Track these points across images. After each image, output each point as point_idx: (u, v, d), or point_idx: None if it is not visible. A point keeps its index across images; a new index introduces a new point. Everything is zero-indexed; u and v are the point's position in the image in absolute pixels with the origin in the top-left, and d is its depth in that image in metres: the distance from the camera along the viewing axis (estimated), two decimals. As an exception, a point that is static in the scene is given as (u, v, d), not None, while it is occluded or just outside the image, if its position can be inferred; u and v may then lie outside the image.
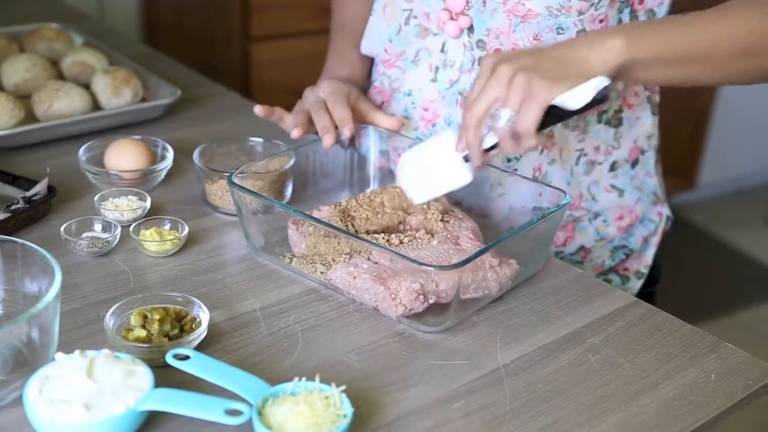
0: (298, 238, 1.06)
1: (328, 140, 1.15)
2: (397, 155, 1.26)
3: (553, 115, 0.97)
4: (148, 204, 1.15)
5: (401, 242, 1.02)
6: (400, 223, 1.09)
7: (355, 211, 1.08)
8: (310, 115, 1.20)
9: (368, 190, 1.17)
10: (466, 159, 1.01)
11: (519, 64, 0.96)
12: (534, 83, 0.94)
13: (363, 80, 1.36)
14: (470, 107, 0.98)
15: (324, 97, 1.22)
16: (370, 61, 1.37)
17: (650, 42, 0.98)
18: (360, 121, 1.21)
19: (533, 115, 0.95)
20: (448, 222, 1.06)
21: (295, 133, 1.17)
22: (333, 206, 1.09)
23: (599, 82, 0.96)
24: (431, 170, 1.04)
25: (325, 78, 1.30)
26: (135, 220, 1.12)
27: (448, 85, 1.21)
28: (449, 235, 1.04)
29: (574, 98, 0.96)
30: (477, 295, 0.98)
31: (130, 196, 1.16)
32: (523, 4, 1.11)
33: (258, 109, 1.21)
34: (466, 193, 1.18)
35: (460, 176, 1.02)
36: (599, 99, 0.97)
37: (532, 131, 0.96)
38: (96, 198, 1.15)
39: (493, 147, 1.00)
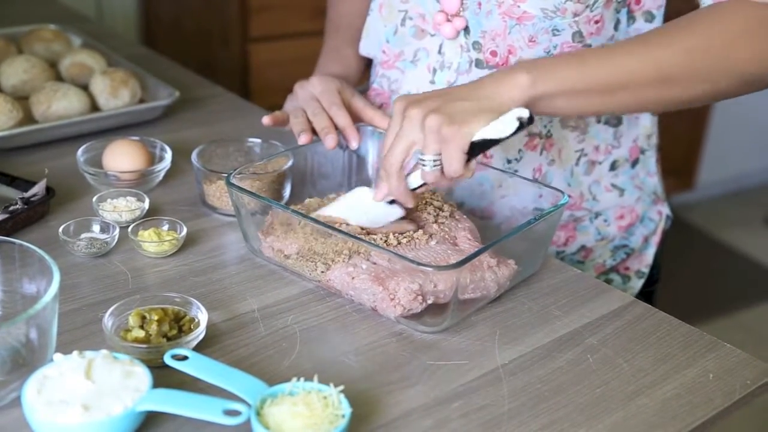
0: (282, 244, 1.05)
1: (331, 141, 1.15)
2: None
3: (481, 146, 0.96)
4: (146, 205, 1.15)
5: (399, 243, 1.02)
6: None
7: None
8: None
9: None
10: (391, 201, 1.03)
11: (429, 106, 0.96)
12: (443, 129, 0.94)
13: (357, 79, 1.36)
14: (387, 156, 0.99)
15: (317, 94, 1.21)
16: (365, 61, 1.37)
17: (557, 76, 0.98)
18: (356, 119, 1.21)
19: (456, 161, 0.96)
20: (443, 223, 1.06)
21: (304, 140, 1.16)
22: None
23: (520, 113, 0.96)
24: (360, 216, 1.04)
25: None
26: (133, 221, 1.12)
27: (446, 85, 1.21)
28: (447, 236, 1.04)
29: (498, 130, 0.96)
30: (475, 296, 0.98)
31: (128, 197, 1.16)
32: (518, 6, 1.11)
33: (266, 120, 1.21)
34: (467, 194, 1.19)
35: (392, 214, 1.04)
36: (527, 122, 0.96)
37: (460, 172, 0.97)
38: (94, 199, 1.15)
39: (422, 185, 1.01)
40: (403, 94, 1.01)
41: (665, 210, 1.34)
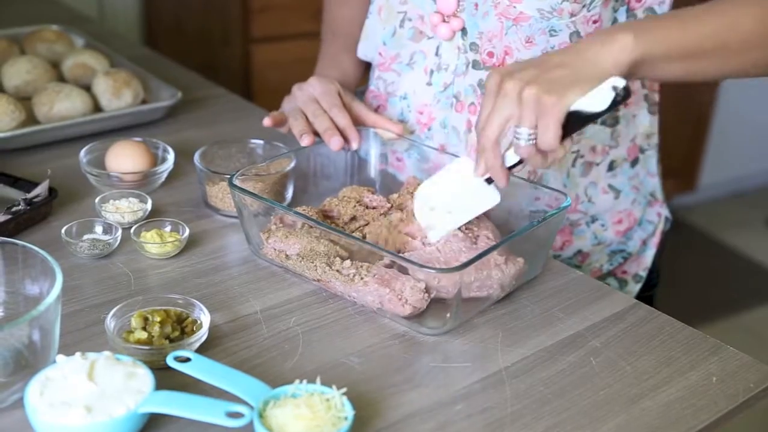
0: (284, 244, 1.05)
1: (336, 143, 1.15)
2: (396, 159, 1.26)
3: (576, 121, 0.93)
4: (148, 206, 1.15)
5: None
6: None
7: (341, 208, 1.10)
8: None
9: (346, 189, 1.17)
10: (489, 180, 1.00)
11: (524, 77, 0.92)
12: (543, 99, 0.91)
13: (355, 85, 1.36)
14: (483, 129, 0.95)
15: (317, 96, 1.21)
16: (363, 66, 1.37)
17: (660, 37, 0.96)
18: (355, 122, 1.21)
19: (552, 132, 0.92)
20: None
21: (307, 141, 1.16)
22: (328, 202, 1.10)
23: (616, 82, 0.93)
24: (456, 199, 1.01)
25: None
26: (136, 222, 1.12)
27: (442, 88, 1.21)
28: (471, 234, 1.04)
29: (594, 102, 0.93)
30: (481, 294, 0.98)
31: (130, 198, 1.16)
32: (515, 7, 1.11)
33: (267, 121, 1.20)
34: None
35: (488, 198, 1.01)
36: (622, 97, 0.94)
37: (555, 146, 0.93)
38: (97, 200, 1.14)
39: (517, 163, 0.97)
40: (497, 67, 0.96)
41: (664, 212, 1.34)
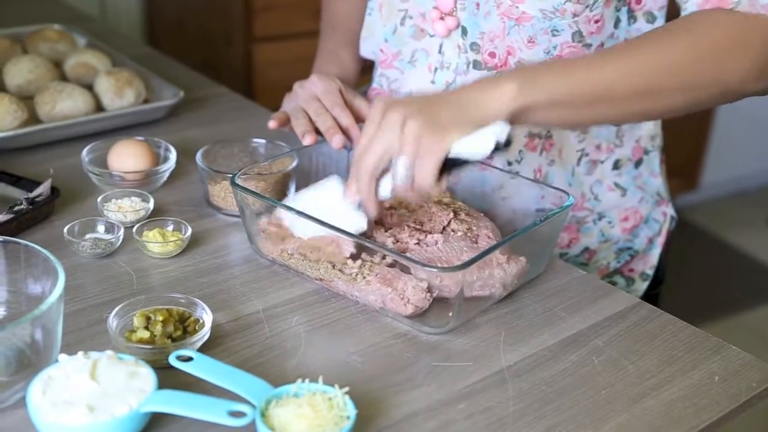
0: (285, 243, 1.05)
1: (338, 142, 1.14)
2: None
3: (455, 163, 0.93)
4: (151, 205, 1.15)
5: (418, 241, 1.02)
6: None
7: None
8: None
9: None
10: (360, 205, 0.99)
11: (408, 111, 0.92)
12: (424, 137, 0.91)
13: (355, 81, 1.35)
14: (362, 156, 0.95)
15: (318, 94, 1.20)
16: (362, 62, 1.37)
17: (544, 86, 0.95)
18: (357, 120, 1.21)
19: (428, 171, 0.92)
20: (465, 220, 1.06)
21: (309, 140, 1.15)
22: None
23: (499, 128, 0.92)
24: (323, 215, 0.99)
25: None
26: (138, 221, 1.12)
27: (444, 86, 1.21)
28: (470, 233, 1.04)
29: (474, 147, 0.92)
30: (483, 293, 0.98)
31: (133, 198, 1.16)
32: (517, 7, 1.11)
33: (273, 123, 1.19)
34: (468, 196, 1.18)
35: (353, 223, 1.00)
36: (503, 145, 0.93)
37: (430, 185, 0.93)
38: (99, 199, 1.15)
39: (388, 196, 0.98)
40: (382, 96, 0.98)
41: (670, 211, 1.34)
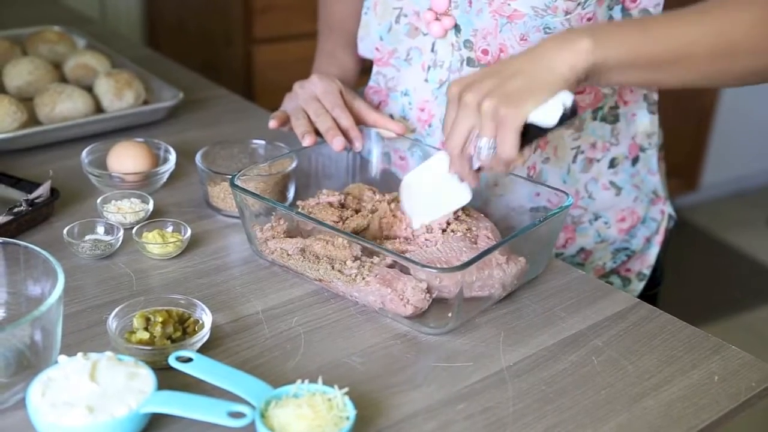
0: (285, 244, 1.05)
1: (339, 144, 1.15)
2: (399, 158, 1.26)
3: (533, 131, 0.96)
4: (150, 206, 1.15)
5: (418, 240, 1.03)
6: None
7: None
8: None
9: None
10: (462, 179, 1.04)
11: (483, 89, 0.95)
12: (501, 110, 0.93)
13: (354, 82, 1.35)
14: (448, 139, 1.00)
15: (318, 95, 1.21)
16: (361, 62, 1.37)
17: (619, 43, 0.94)
18: (357, 121, 1.21)
19: (510, 143, 0.94)
20: (465, 220, 1.06)
21: (308, 141, 1.16)
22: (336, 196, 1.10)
23: (565, 97, 0.94)
24: (432, 191, 1.06)
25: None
26: (137, 222, 1.12)
27: (437, 85, 1.21)
28: (469, 234, 1.04)
29: (546, 116, 0.94)
30: (482, 294, 0.98)
31: (132, 199, 1.16)
32: (509, 5, 1.11)
33: (273, 123, 1.21)
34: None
35: (459, 196, 1.05)
36: (571, 112, 0.95)
37: (513, 155, 0.95)
38: (98, 200, 1.15)
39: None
40: (457, 78, 0.99)
41: (668, 209, 1.33)
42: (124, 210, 1.14)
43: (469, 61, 1.17)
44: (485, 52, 1.16)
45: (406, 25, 1.22)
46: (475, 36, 1.15)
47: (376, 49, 1.27)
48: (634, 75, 0.97)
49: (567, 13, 1.10)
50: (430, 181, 1.06)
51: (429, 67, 1.21)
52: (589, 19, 1.11)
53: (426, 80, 1.22)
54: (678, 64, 0.96)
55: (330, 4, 1.40)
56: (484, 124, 0.95)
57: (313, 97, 1.20)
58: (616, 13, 1.14)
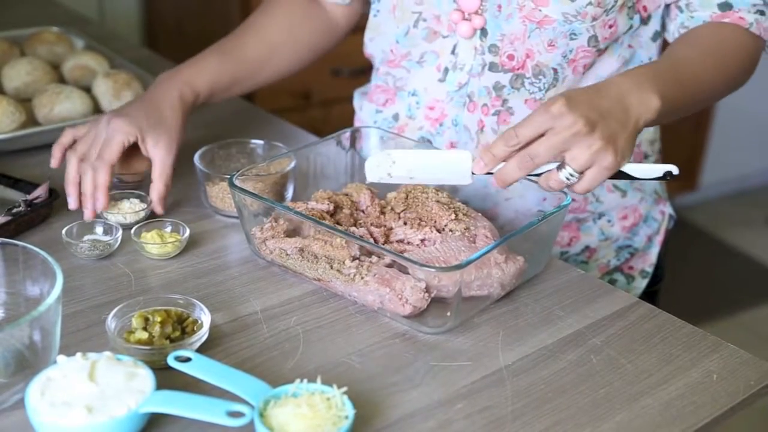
0: (284, 243, 1.04)
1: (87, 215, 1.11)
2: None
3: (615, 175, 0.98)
4: (149, 207, 1.15)
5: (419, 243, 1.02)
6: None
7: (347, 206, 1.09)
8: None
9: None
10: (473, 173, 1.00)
11: (590, 120, 0.93)
12: (608, 156, 0.94)
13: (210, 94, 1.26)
14: (535, 154, 0.94)
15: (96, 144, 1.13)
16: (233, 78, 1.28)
17: (668, 100, 1.01)
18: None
19: (597, 184, 0.96)
20: (463, 220, 1.06)
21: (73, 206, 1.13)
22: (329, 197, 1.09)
23: (673, 170, 0.99)
24: (427, 169, 1.01)
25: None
26: (137, 222, 1.12)
27: (457, 87, 1.21)
28: (467, 233, 1.04)
29: (642, 172, 0.98)
30: (481, 293, 0.98)
31: (131, 199, 1.16)
32: (540, 10, 1.12)
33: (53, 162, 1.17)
34: (471, 196, 1.19)
35: (461, 177, 1.00)
36: (670, 177, 1.00)
37: (587, 192, 0.97)
38: None
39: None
40: (561, 97, 0.94)
41: (668, 210, 1.34)
42: (124, 210, 1.14)
43: (492, 66, 1.17)
44: (511, 57, 1.16)
45: (424, 29, 1.22)
46: (503, 41, 1.15)
47: (390, 50, 1.26)
48: (663, 120, 1.06)
49: (594, 19, 1.12)
50: (430, 162, 1.01)
51: (447, 69, 1.21)
52: (610, 26, 1.13)
53: (441, 80, 1.22)
54: (697, 105, 1.12)
55: (259, 15, 1.32)
56: (583, 158, 0.94)
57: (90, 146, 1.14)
58: (636, 21, 1.16)
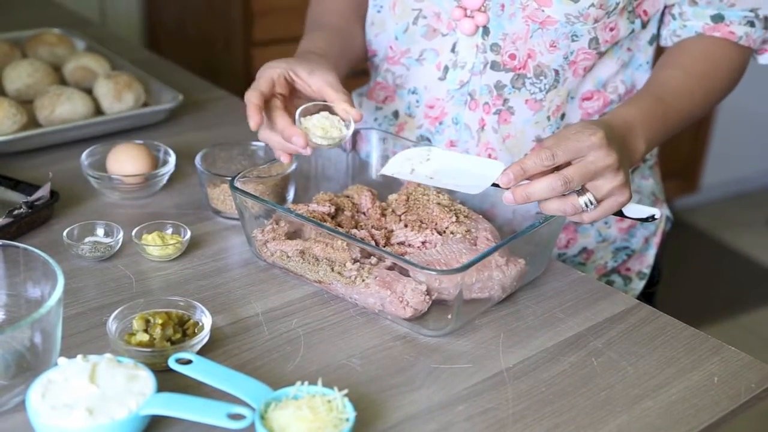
0: (285, 245, 1.04)
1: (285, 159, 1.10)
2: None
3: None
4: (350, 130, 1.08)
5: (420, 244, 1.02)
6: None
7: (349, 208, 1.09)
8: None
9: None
10: (494, 185, 0.98)
11: (617, 160, 0.97)
12: (623, 193, 0.98)
13: (345, 58, 1.25)
14: (570, 179, 0.95)
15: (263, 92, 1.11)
16: (355, 53, 1.30)
17: (653, 141, 1.10)
18: (310, 97, 1.12)
19: (604, 216, 0.99)
20: (464, 222, 1.06)
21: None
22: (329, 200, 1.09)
23: (657, 214, 1.02)
24: (448, 173, 1.01)
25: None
26: (341, 139, 1.06)
27: (458, 85, 1.21)
28: (469, 235, 1.04)
29: (632, 211, 1.02)
30: (482, 296, 0.98)
31: (329, 115, 1.07)
32: (543, 11, 1.12)
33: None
34: (469, 196, 1.19)
35: (476, 186, 0.99)
36: (651, 220, 1.04)
37: (593, 221, 1.00)
38: (297, 114, 1.07)
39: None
40: (601, 129, 0.97)
41: (665, 211, 1.35)
42: (325, 127, 1.07)
43: (494, 65, 1.18)
44: (512, 56, 1.16)
45: (423, 26, 1.22)
46: (504, 40, 1.16)
47: (390, 47, 1.26)
48: (650, 150, 1.13)
49: (596, 21, 1.12)
50: (458, 166, 1.02)
51: (447, 67, 1.21)
52: (611, 29, 1.14)
53: (441, 79, 1.22)
54: (678, 130, 1.17)
55: (319, 4, 1.34)
56: (605, 189, 0.97)
57: (268, 85, 1.13)
58: (637, 25, 1.16)
